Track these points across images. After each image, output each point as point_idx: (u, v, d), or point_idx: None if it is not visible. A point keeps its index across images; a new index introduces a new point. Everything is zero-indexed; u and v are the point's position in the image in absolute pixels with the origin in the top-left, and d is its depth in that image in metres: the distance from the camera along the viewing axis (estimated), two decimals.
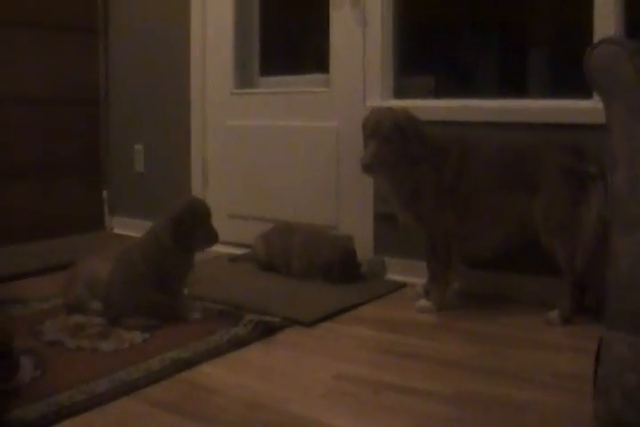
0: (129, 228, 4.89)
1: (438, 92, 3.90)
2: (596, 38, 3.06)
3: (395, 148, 3.15)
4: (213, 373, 2.55)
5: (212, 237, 3.09)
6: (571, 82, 3.26)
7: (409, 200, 3.24)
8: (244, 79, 4.50)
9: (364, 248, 3.82)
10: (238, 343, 2.80)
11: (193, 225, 3.02)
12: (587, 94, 3.16)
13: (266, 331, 2.93)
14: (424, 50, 4.05)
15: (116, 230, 5.09)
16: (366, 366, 2.65)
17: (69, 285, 3.24)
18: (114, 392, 2.35)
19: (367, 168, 3.17)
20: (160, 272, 3.00)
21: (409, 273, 3.67)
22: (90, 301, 3.13)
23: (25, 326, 2.95)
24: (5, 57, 4.52)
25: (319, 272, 3.67)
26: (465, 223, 3.21)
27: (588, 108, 3.16)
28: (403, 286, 3.62)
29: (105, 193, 5.13)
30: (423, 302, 3.26)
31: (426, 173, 3.19)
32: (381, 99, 3.79)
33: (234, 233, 4.09)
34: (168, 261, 3.02)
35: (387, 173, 3.26)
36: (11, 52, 4.54)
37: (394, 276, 3.75)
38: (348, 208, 3.95)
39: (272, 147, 4.25)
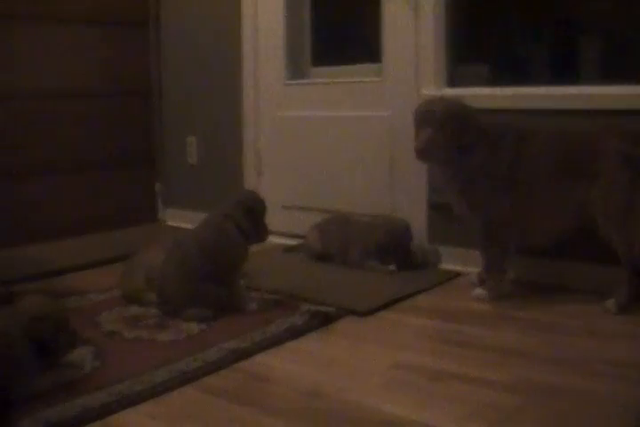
0: (182, 219, 4.92)
1: (492, 80, 3.86)
2: None
3: (448, 135, 3.12)
4: (271, 362, 2.56)
5: (266, 234, 3.12)
6: (625, 68, 3.22)
7: (464, 189, 3.21)
8: (295, 70, 4.50)
9: (419, 237, 3.80)
10: (295, 333, 2.81)
11: (260, 215, 3.06)
12: None
13: (322, 321, 2.93)
14: (478, 38, 4.00)
15: (170, 222, 5.12)
16: (423, 354, 2.64)
17: (127, 276, 3.28)
18: (173, 382, 2.37)
19: (422, 153, 3.16)
20: (218, 263, 3.01)
21: (463, 262, 3.65)
22: (147, 292, 3.16)
23: (83, 318, 2.98)
24: (59, 52, 4.58)
25: (374, 254, 3.67)
26: (521, 211, 3.18)
27: None
28: (457, 275, 3.61)
29: (158, 185, 5.18)
30: (479, 291, 3.25)
31: (480, 161, 3.16)
32: (435, 87, 3.77)
33: (288, 224, 4.10)
34: (230, 250, 3.04)
35: (440, 161, 3.25)
36: (64, 48, 4.60)
37: (448, 265, 3.73)
38: (402, 197, 3.93)
39: (325, 137, 4.25)
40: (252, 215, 3.05)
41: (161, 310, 3.05)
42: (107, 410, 2.18)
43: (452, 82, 3.83)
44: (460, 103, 3.21)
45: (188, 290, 2.99)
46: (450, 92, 3.70)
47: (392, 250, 3.66)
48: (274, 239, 4.02)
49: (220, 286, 3.03)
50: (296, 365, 2.54)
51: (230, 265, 3.07)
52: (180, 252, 3.06)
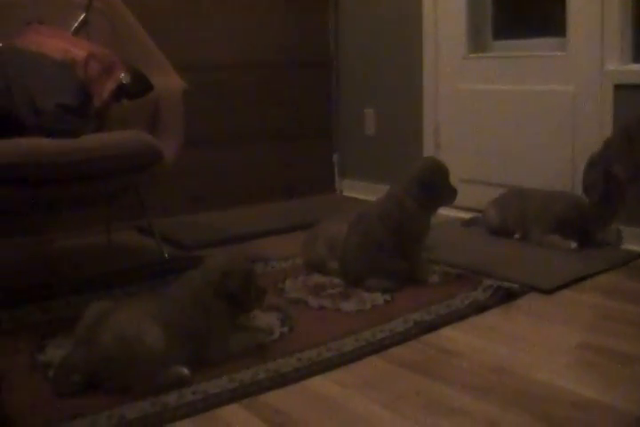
0: (358, 190, 5.00)
1: None
2: None
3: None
4: (456, 336, 2.58)
5: (453, 195, 3.11)
6: None
7: None
8: (476, 43, 4.45)
9: None
10: (479, 308, 2.81)
11: (436, 184, 3.06)
12: None
13: (505, 296, 2.93)
14: None
15: (346, 193, 5.21)
16: (607, 336, 2.59)
17: (309, 245, 3.35)
18: (360, 351, 2.42)
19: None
20: (400, 235, 3.03)
21: None
22: (329, 261, 3.22)
23: (268, 284, 3.02)
24: (240, 23, 4.69)
25: (553, 229, 3.63)
26: None
27: None
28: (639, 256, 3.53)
29: (335, 156, 5.26)
30: None
31: None
32: (619, 63, 3.67)
33: (466, 197, 4.08)
34: (410, 222, 3.05)
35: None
36: (244, 19, 4.72)
37: (631, 245, 3.63)
38: None
39: (505, 111, 4.22)
40: (429, 185, 3.04)
41: (343, 279, 3.12)
42: (298, 375, 2.25)
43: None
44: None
45: (371, 261, 3.05)
46: (635, 67, 3.61)
47: (571, 225, 3.62)
48: (450, 213, 4.06)
49: (402, 258, 3.06)
50: (481, 340, 2.55)
51: (412, 238, 3.09)
52: (363, 223, 3.11)
